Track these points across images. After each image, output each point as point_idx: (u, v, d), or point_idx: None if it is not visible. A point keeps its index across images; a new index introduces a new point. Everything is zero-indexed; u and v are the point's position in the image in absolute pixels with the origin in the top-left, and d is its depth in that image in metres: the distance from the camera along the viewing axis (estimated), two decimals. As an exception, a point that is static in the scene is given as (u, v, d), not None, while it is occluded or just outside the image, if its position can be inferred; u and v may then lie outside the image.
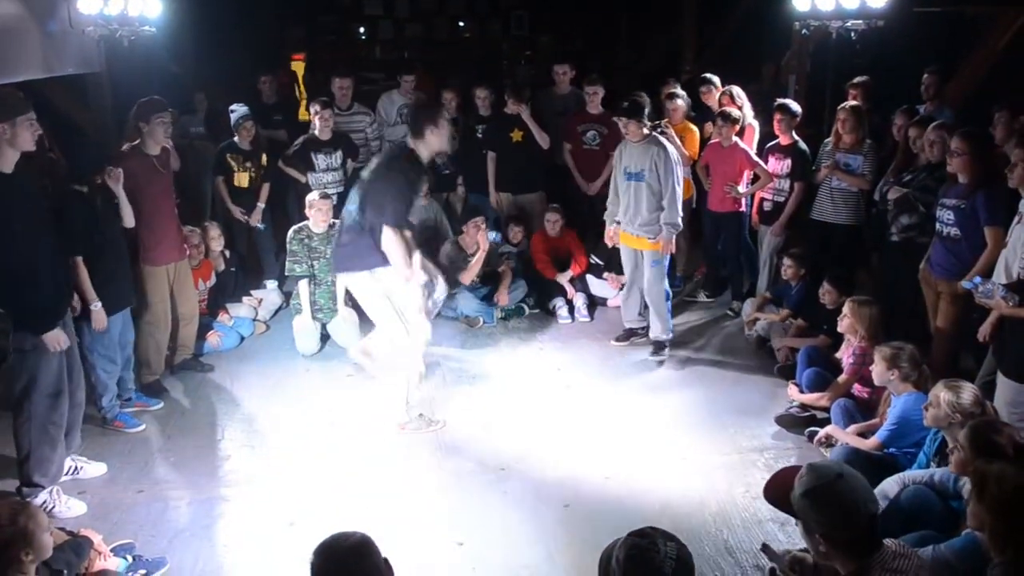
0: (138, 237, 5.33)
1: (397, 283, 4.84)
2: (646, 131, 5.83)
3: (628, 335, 6.47)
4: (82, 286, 4.69)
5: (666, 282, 6.16)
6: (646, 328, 6.33)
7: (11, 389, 4.15)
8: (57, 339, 4.08)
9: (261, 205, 7.19)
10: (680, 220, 5.93)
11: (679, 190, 5.85)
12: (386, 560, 2.47)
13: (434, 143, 4.88)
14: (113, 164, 4.92)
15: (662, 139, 5.91)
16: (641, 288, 6.17)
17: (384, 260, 4.76)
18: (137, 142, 5.31)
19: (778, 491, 2.77)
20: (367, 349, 5.29)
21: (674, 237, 5.98)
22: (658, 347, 6.18)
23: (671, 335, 6.20)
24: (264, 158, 7.16)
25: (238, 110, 7.05)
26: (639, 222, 5.97)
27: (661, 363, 6.10)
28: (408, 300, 4.94)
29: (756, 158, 6.76)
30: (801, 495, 2.58)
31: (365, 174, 4.96)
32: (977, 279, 4.16)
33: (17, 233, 3.92)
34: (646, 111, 5.80)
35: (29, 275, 3.98)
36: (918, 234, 5.46)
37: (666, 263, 6.11)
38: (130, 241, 5.23)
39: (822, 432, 4.73)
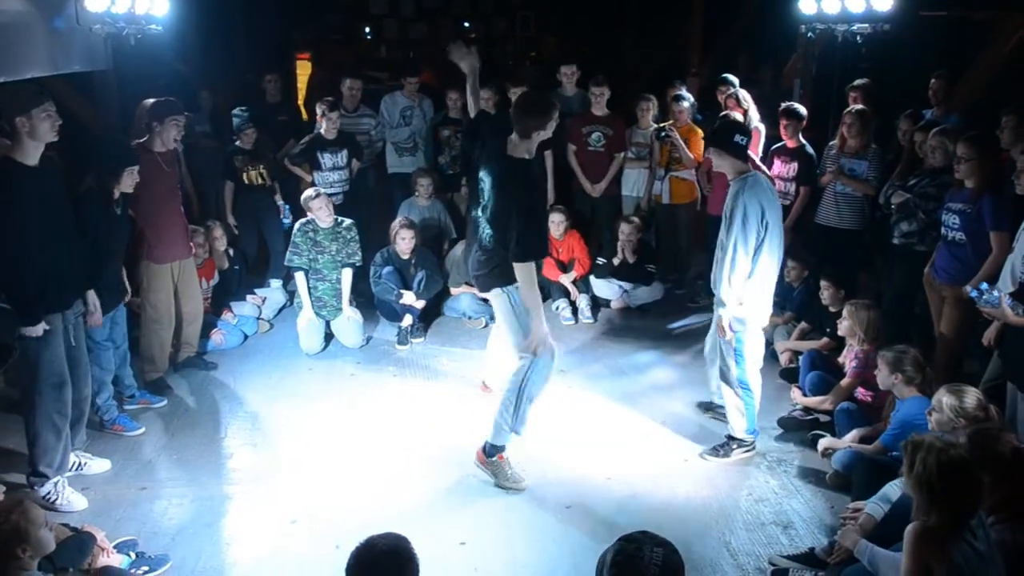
0: (143, 234, 5.34)
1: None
2: (743, 166, 4.63)
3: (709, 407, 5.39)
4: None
5: (739, 370, 4.75)
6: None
7: (20, 379, 4.23)
8: (33, 333, 4.04)
9: (280, 202, 7.29)
10: (728, 296, 4.60)
11: (740, 256, 4.50)
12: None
13: (537, 139, 4.44)
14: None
15: (758, 185, 4.58)
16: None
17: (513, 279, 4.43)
18: (144, 139, 5.32)
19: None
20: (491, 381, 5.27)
21: (728, 321, 4.64)
22: (726, 444, 4.92)
23: (749, 435, 4.86)
24: (267, 158, 7.22)
25: (241, 115, 7.09)
26: (717, 282, 4.74)
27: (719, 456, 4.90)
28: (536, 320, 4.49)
29: (760, 164, 6.74)
30: None
31: (486, 193, 4.43)
32: (984, 285, 4.15)
33: (31, 226, 3.98)
34: (737, 138, 4.59)
35: (33, 268, 4.01)
36: (917, 241, 5.46)
37: (738, 345, 4.72)
38: (133, 238, 5.25)
39: (822, 445, 4.74)
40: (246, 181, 7.14)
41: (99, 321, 4.76)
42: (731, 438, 4.87)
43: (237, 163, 7.10)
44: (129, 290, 5.26)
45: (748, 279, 4.56)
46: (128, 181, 4.83)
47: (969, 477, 2.95)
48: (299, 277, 6.41)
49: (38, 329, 4.05)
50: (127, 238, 5.11)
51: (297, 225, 6.48)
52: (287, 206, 7.35)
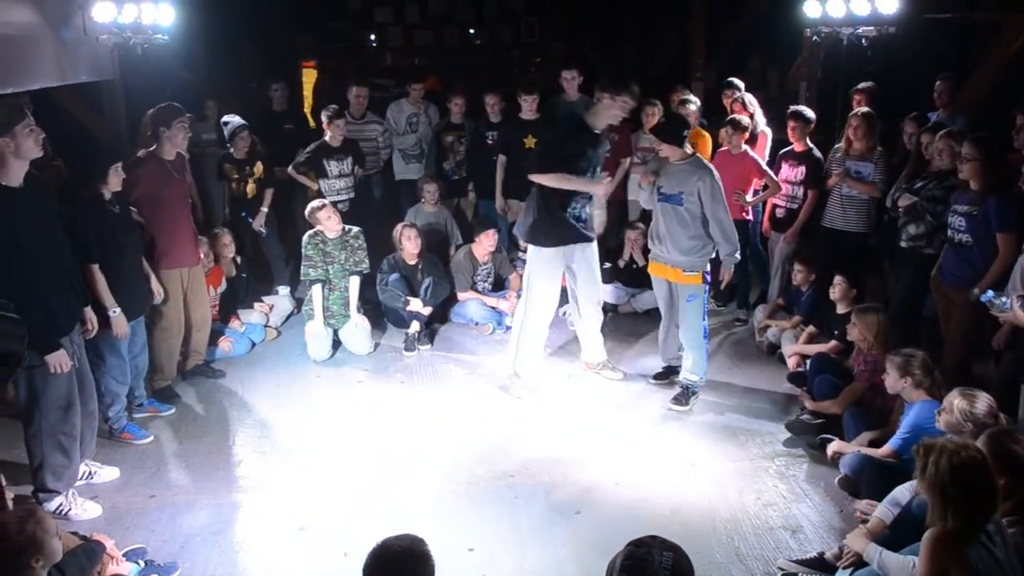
0: (153, 241, 5.35)
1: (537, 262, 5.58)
2: (688, 151, 5.37)
3: (667, 373, 5.85)
4: (100, 293, 4.64)
5: (705, 319, 5.50)
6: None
7: (20, 402, 4.13)
8: (60, 360, 3.99)
9: (264, 209, 7.20)
10: (736, 251, 5.36)
11: (726, 219, 5.28)
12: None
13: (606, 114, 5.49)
14: (128, 169, 4.90)
15: (707, 163, 5.40)
16: (677, 324, 5.58)
17: (540, 240, 5.52)
18: (153, 148, 5.34)
19: None
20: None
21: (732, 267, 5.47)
22: (684, 392, 5.54)
23: (703, 379, 5.57)
24: (260, 166, 7.19)
25: (232, 122, 7.10)
26: (674, 251, 5.40)
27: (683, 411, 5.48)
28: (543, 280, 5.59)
29: (765, 167, 6.74)
30: None
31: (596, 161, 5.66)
32: (990, 293, 4.13)
33: (26, 250, 3.84)
34: (683, 132, 5.39)
35: (36, 294, 3.90)
36: (925, 244, 5.43)
37: (705, 298, 5.47)
38: (145, 246, 5.24)
39: (830, 449, 4.71)
40: (234, 191, 7.17)
41: (124, 331, 4.78)
42: (688, 387, 5.56)
43: (227, 171, 7.14)
44: (160, 293, 5.27)
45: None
46: (115, 179, 4.76)
47: (982, 479, 2.93)
48: (316, 290, 6.40)
49: (62, 355, 4.00)
50: (136, 236, 5.06)
51: (305, 238, 6.48)
52: (266, 230, 7.24)
